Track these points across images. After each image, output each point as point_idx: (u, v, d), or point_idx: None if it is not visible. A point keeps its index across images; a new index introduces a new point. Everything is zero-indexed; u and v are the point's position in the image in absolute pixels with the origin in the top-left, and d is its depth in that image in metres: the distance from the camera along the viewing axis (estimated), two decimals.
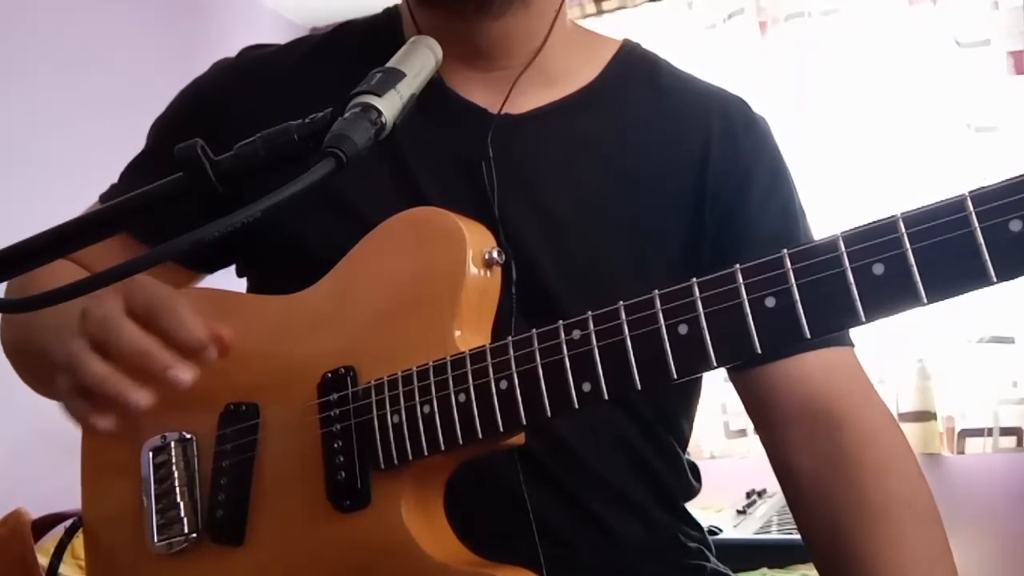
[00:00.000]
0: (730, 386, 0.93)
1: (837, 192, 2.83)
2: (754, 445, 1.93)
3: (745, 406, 0.93)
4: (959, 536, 1.13)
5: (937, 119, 2.83)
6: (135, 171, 0.99)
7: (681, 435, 0.97)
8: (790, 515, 0.91)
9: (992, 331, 2.72)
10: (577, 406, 0.68)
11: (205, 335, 0.71)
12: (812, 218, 0.96)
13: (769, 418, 0.90)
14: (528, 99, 0.91)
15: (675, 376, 0.65)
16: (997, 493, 2.76)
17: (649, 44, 1.00)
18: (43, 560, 1.71)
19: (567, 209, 0.88)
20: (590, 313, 0.68)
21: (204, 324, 0.71)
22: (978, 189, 0.56)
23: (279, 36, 2.84)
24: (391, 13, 0.98)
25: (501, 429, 0.71)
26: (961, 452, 2.75)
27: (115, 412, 0.72)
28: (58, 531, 1.79)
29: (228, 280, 0.99)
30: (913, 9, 2.89)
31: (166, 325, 0.71)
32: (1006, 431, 2.72)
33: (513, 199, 0.86)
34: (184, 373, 0.70)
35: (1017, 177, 0.55)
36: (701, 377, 0.95)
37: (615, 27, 3.12)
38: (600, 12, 3.32)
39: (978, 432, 2.74)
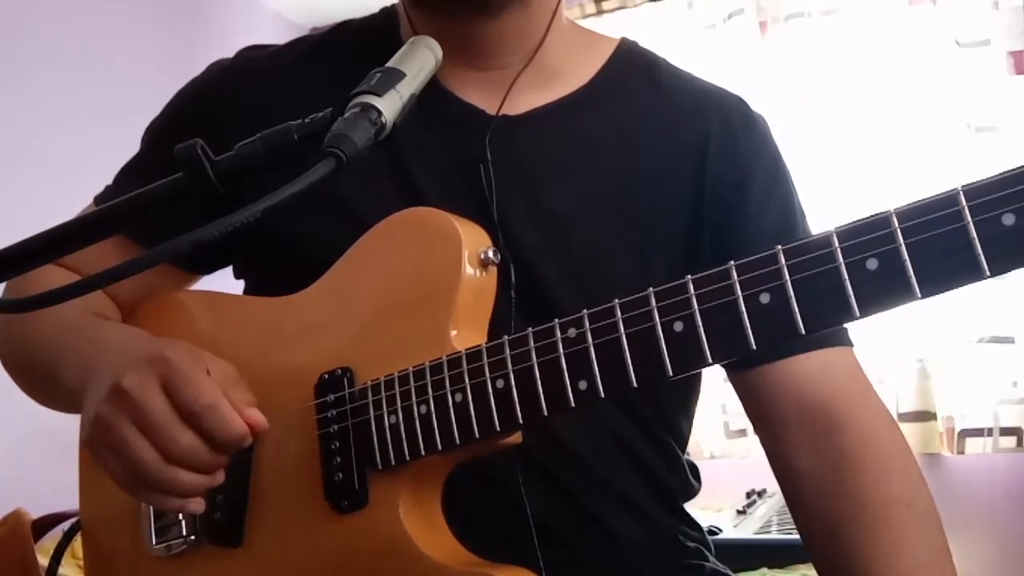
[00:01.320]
0: (730, 386, 0.92)
1: (837, 192, 2.82)
2: (754, 445, 1.92)
3: (744, 407, 0.93)
4: (959, 536, 1.12)
5: (937, 119, 2.83)
6: (130, 174, 0.98)
7: (680, 435, 0.97)
8: (790, 515, 0.90)
9: (992, 331, 2.71)
10: (573, 404, 0.68)
11: (245, 429, 0.73)
12: (812, 217, 0.96)
13: (768, 418, 0.90)
14: (526, 99, 0.91)
15: (671, 373, 0.65)
16: (997, 493, 2.75)
17: (649, 44, 1.00)
18: (43, 560, 1.71)
19: (566, 209, 0.88)
20: (585, 311, 0.69)
21: (239, 412, 0.73)
22: (970, 184, 0.56)
23: (279, 36, 2.83)
24: (388, 13, 0.97)
25: (498, 428, 0.71)
26: (961, 452, 2.74)
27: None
28: (58, 531, 1.78)
29: (226, 281, 0.99)
30: (913, 9, 2.89)
31: (211, 428, 0.72)
32: (1006, 431, 2.71)
33: (512, 200, 0.86)
34: None
35: (1009, 171, 0.55)
36: (700, 376, 0.95)
37: (615, 27, 3.12)
38: (600, 12, 3.31)
39: (978, 432, 2.73)
